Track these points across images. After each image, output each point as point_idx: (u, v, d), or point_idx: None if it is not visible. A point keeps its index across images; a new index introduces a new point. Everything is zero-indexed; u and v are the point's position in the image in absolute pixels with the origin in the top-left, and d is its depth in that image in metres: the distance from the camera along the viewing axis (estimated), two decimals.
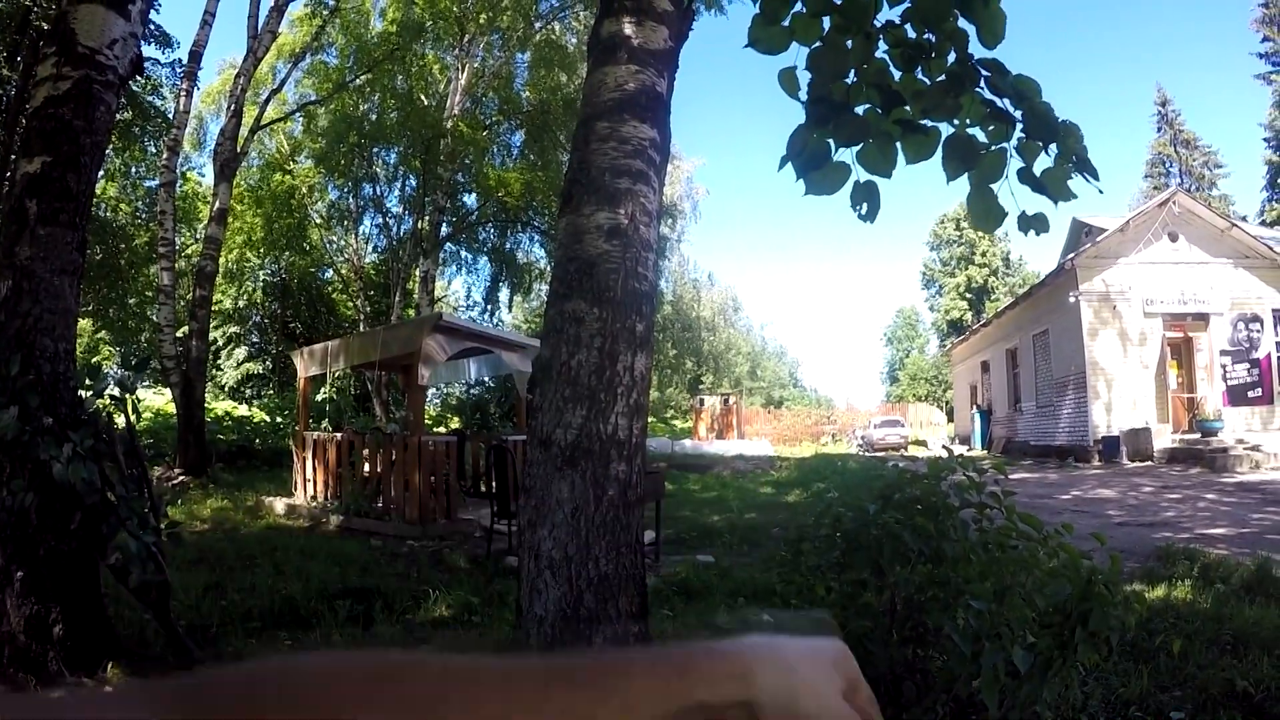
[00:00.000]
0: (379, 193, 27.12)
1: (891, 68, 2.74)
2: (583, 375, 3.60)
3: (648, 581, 5.88)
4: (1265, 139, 47.59)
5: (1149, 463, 19.52)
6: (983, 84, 2.61)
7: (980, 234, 62.27)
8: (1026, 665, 2.62)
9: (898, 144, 2.69)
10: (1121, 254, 21.95)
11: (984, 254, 62.86)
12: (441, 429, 23.20)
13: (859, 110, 2.69)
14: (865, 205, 2.70)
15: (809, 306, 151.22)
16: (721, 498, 13.62)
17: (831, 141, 2.66)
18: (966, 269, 63.18)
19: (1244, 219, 36.92)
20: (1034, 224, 2.74)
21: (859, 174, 2.67)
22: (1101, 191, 2.78)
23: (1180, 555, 6.94)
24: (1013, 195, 2.63)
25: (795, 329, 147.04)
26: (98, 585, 4.06)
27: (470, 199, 26.79)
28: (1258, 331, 21.18)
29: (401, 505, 9.78)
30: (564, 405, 3.60)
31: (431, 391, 24.66)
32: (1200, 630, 4.67)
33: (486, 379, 24.00)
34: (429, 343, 9.83)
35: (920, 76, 2.73)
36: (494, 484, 8.68)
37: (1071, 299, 21.61)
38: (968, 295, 62.72)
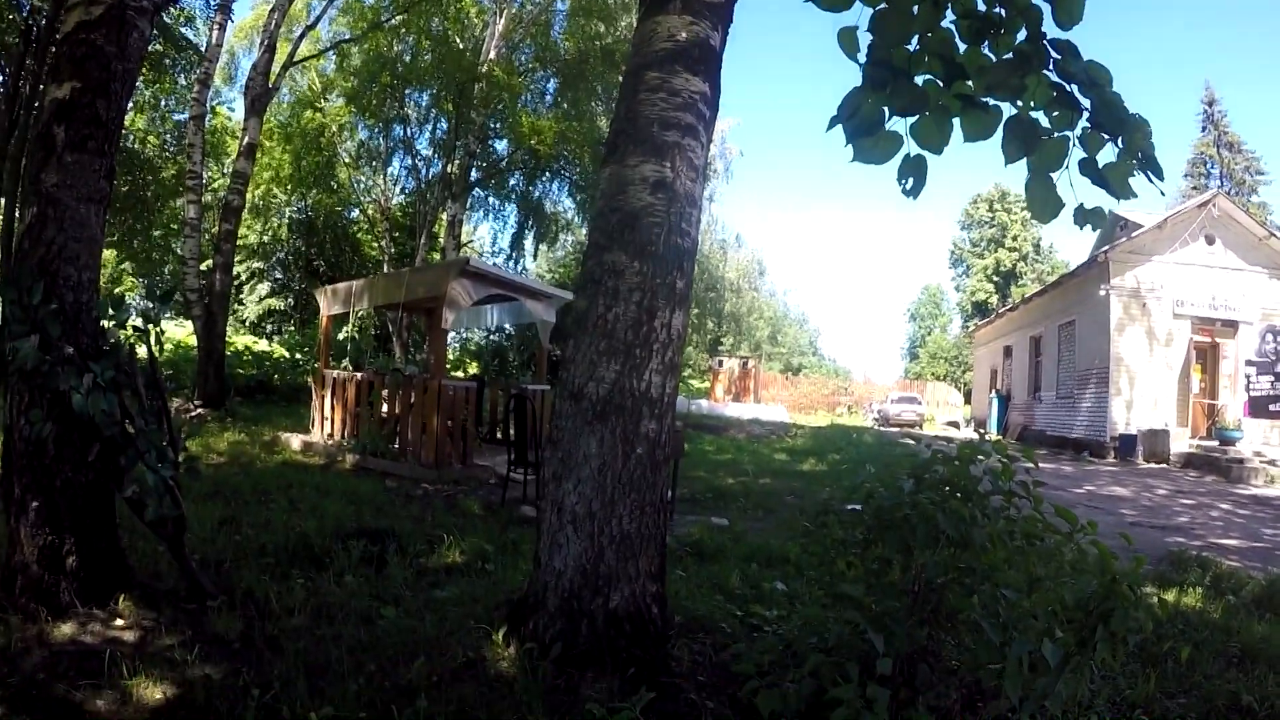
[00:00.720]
0: (409, 134, 26.93)
1: (958, 39, 2.61)
2: (619, 329, 3.54)
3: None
4: None
5: (1164, 465, 19.23)
6: (1051, 66, 2.48)
7: (1012, 217, 61.75)
8: (1056, 659, 2.58)
9: (955, 119, 2.56)
10: (1156, 252, 21.53)
11: (1015, 238, 62.29)
12: (460, 374, 23.23)
13: (919, 80, 2.56)
14: (912, 180, 2.57)
15: (834, 276, 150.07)
16: (736, 460, 13.59)
17: (886, 109, 2.54)
18: (996, 251, 62.65)
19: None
20: (1090, 218, 2.60)
21: (910, 147, 2.53)
22: (1164, 193, 2.65)
23: (1193, 562, 6.84)
24: (1071, 186, 2.50)
25: (818, 297, 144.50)
26: (113, 517, 4.04)
27: (501, 145, 26.54)
28: None
29: (418, 447, 9.77)
30: (598, 359, 3.54)
31: (451, 336, 24.80)
32: (1209, 640, 4.62)
33: (508, 326, 23.90)
34: (455, 287, 9.75)
35: (986, 52, 2.59)
36: (512, 432, 8.65)
37: (1102, 292, 21.24)
38: (995, 278, 62.25)
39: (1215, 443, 19.99)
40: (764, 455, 15.26)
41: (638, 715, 3.00)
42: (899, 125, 2.53)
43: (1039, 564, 3.01)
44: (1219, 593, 5.94)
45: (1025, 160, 2.52)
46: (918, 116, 2.52)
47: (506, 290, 11.79)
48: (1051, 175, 2.51)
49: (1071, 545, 3.01)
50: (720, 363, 36.10)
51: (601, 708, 3.04)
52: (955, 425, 36.19)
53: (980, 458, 3.21)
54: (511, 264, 30.32)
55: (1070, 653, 2.67)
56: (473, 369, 28.43)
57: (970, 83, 2.53)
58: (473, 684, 3.30)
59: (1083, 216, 2.60)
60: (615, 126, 3.87)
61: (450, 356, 28.61)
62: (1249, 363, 20.68)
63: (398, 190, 29.19)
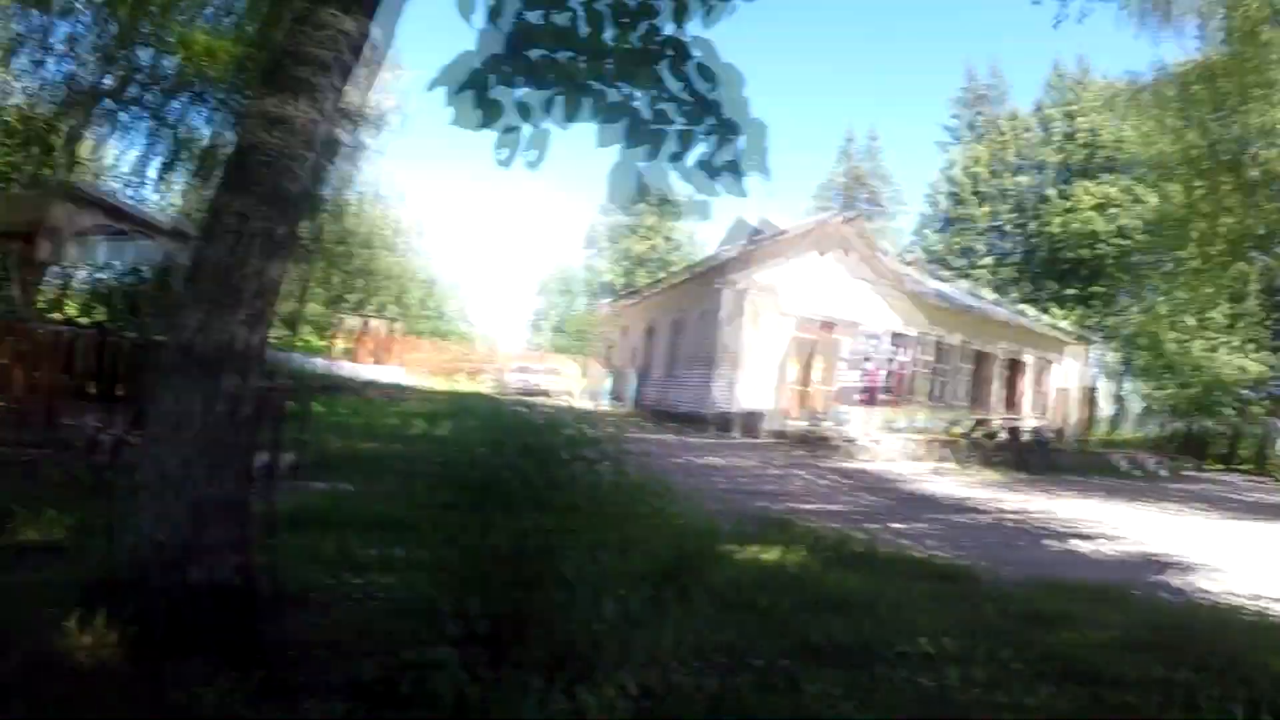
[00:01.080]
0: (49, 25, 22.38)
1: (582, 23, 2.65)
2: (207, 274, 3.23)
3: (282, 508, 5.51)
4: (926, 195, 58.45)
5: (768, 440, 21.70)
6: (689, 65, 2.57)
7: (650, 207, 64.97)
8: (617, 616, 2.72)
9: (586, 100, 2.59)
10: (777, 256, 24.63)
11: (650, 226, 65.39)
12: (86, 320, 20.22)
13: (561, 56, 2.56)
14: (537, 154, 2.58)
15: (476, 242, 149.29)
16: (369, 424, 13.21)
17: (493, 77, 2.50)
18: (629, 237, 65.41)
19: (888, 252, 43.09)
20: (698, 210, 2.80)
21: (534, 120, 2.54)
22: (772, 196, 2.86)
23: (776, 523, 7.68)
24: (685, 179, 2.61)
25: (463, 262, 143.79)
26: None
27: (170, 63, 22.76)
28: (875, 346, 24.89)
29: None
30: (189, 305, 3.22)
31: (82, 275, 21.14)
32: (786, 589, 5.17)
33: (144, 269, 20.69)
34: (58, 213, 8.39)
35: (635, 42, 2.65)
36: (125, 389, 7.55)
37: (725, 287, 23.77)
38: (626, 262, 65.02)
39: (811, 423, 23.35)
40: (394, 419, 14.97)
41: (225, 696, 2.79)
42: (503, 95, 2.50)
43: (625, 526, 3.15)
44: (795, 549, 6.73)
45: (632, 147, 2.60)
46: (553, 92, 2.51)
47: (136, 226, 10.32)
48: (665, 166, 2.63)
49: (662, 510, 3.20)
50: (365, 324, 34.87)
51: (184, 693, 2.79)
52: (570, 394, 37.54)
53: (575, 428, 3.32)
54: (157, 198, 26.36)
55: (663, 606, 2.83)
56: (100, 316, 24.71)
57: (610, 66, 2.55)
58: (45, 681, 2.87)
59: (691, 209, 2.82)
60: (250, 53, 3.58)
61: (75, 300, 24.86)
62: (843, 358, 24.80)
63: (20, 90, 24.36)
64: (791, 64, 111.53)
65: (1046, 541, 10.16)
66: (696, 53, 2.62)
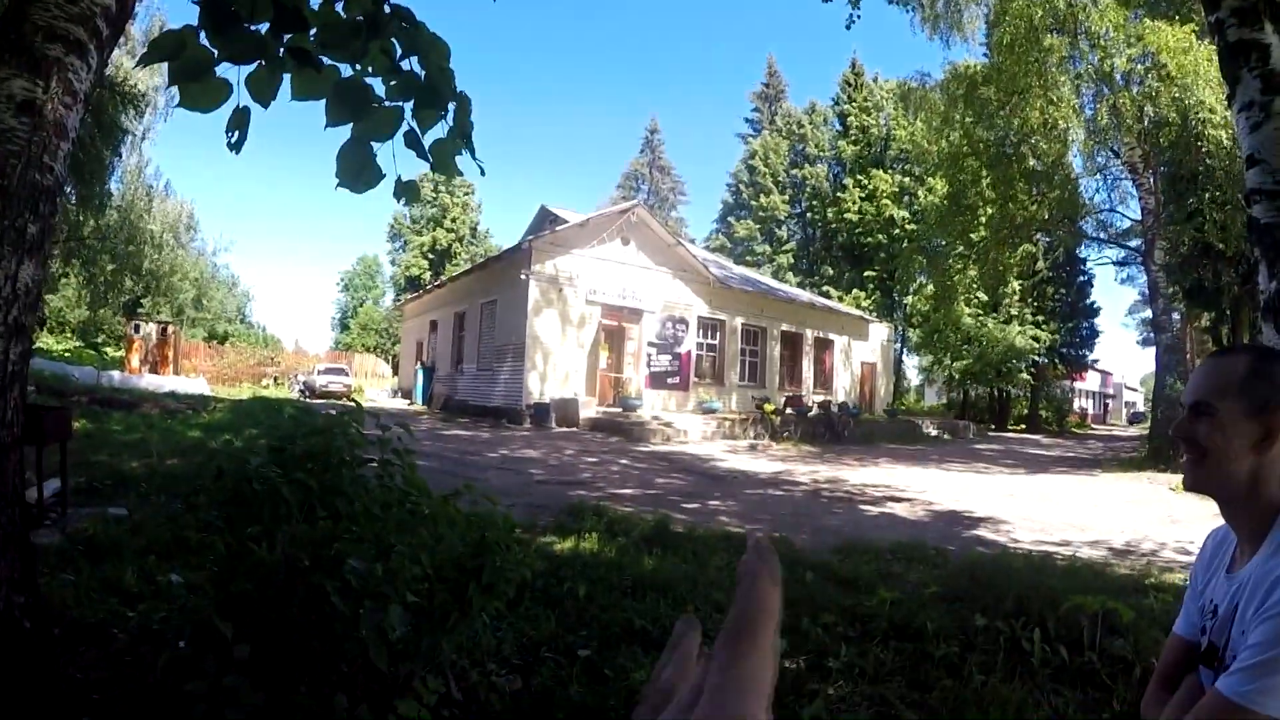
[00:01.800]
0: None
1: None
2: None
3: (52, 540, 5.00)
4: (727, 184, 61.40)
5: (575, 429, 21.56)
6: (396, 35, 2.43)
7: (454, 200, 63.89)
8: (405, 624, 2.61)
9: (286, 74, 2.37)
10: (577, 245, 24.34)
11: (454, 220, 64.43)
12: None
13: (260, 28, 2.30)
14: (237, 133, 2.33)
15: (268, 237, 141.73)
16: (146, 440, 12.21)
17: (216, 52, 2.26)
18: (435, 230, 64.27)
19: (693, 241, 45.30)
20: (406, 191, 2.58)
21: (241, 97, 2.30)
22: (484, 173, 2.69)
23: (591, 511, 7.64)
24: (394, 159, 2.44)
25: (251, 259, 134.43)
26: None
27: None
28: (683, 331, 25.46)
29: None
30: None
31: None
32: (604, 577, 5.16)
33: None
34: None
35: (339, 10, 2.46)
36: None
37: (523, 276, 23.26)
38: (430, 255, 63.84)
39: (620, 409, 23.21)
40: (178, 433, 13.94)
41: None
42: (231, 73, 2.28)
43: (407, 530, 3.00)
44: (613, 535, 6.72)
45: (350, 126, 2.38)
46: (254, 68, 2.29)
47: None
48: (375, 145, 2.41)
49: (448, 508, 3.07)
50: (137, 328, 32.23)
51: None
52: (360, 392, 36.58)
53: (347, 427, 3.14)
54: None
55: (449, 610, 2.72)
56: None
57: (313, 36, 2.36)
58: None
59: (401, 190, 2.58)
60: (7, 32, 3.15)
61: None
62: (651, 344, 24.95)
63: None
64: (601, 57, 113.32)
65: (863, 506, 10.58)
66: (403, 24, 2.47)
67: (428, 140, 2.47)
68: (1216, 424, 1.42)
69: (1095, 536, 8.72)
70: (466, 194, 64.15)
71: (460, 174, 2.56)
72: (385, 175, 2.40)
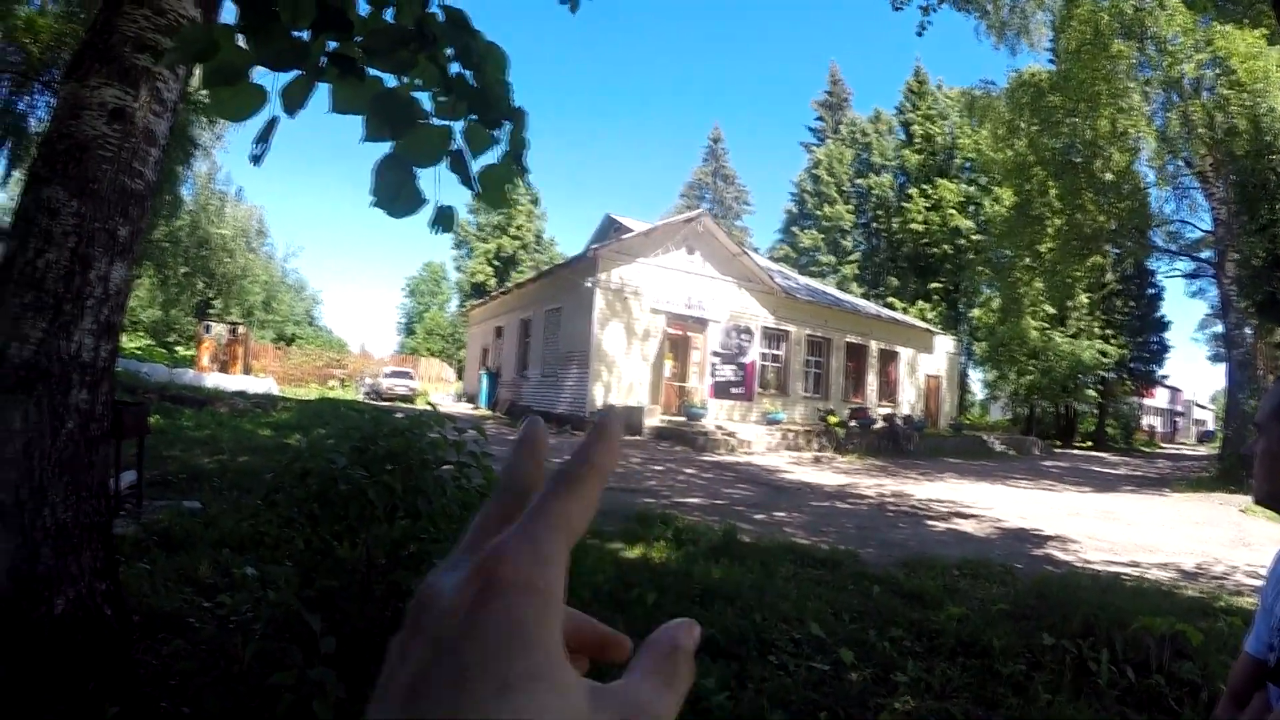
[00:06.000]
0: None
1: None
2: (49, 280, 2.94)
3: (128, 530, 5.15)
4: (791, 193, 60.28)
5: (640, 437, 21.52)
6: (449, 45, 2.17)
7: (519, 209, 64.49)
8: None
9: (327, 85, 2.11)
10: (642, 254, 24.30)
11: (519, 227, 64.97)
12: None
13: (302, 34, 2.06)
14: (263, 145, 2.09)
15: (336, 242, 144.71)
16: (217, 437, 12.55)
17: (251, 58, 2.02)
18: (500, 237, 64.84)
19: (757, 250, 45.18)
20: (444, 221, 2.26)
21: (274, 106, 2.00)
22: (536, 201, 2.27)
23: (658, 519, 7.63)
24: (437, 181, 2.13)
25: (319, 264, 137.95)
26: None
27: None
28: (747, 341, 25.00)
29: None
30: (22, 314, 2.93)
31: None
32: (672, 585, 5.16)
33: None
34: None
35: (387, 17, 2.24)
36: None
37: (588, 284, 23.29)
38: (495, 262, 64.42)
39: (684, 419, 23.14)
40: (247, 431, 14.28)
41: None
42: (265, 80, 2.00)
43: None
44: (681, 543, 6.74)
45: (390, 144, 2.08)
46: (294, 76, 1.98)
47: None
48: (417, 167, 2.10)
49: None
50: (208, 328, 33.11)
51: None
52: (425, 395, 36.92)
53: (426, 430, 3.18)
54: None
55: None
56: None
57: (359, 44, 2.10)
58: None
59: (437, 218, 2.25)
60: (85, 38, 3.27)
61: None
62: (715, 353, 24.65)
63: None
64: (663, 66, 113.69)
65: (929, 522, 10.44)
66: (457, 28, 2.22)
67: (476, 165, 2.20)
68: (1273, 443, 1.41)
69: (1164, 558, 8.51)
70: (531, 201, 64.72)
71: (511, 205, 2.20)
72: (426, 201, 2.11)
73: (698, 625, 0.43)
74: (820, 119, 62.28)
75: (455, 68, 2.23)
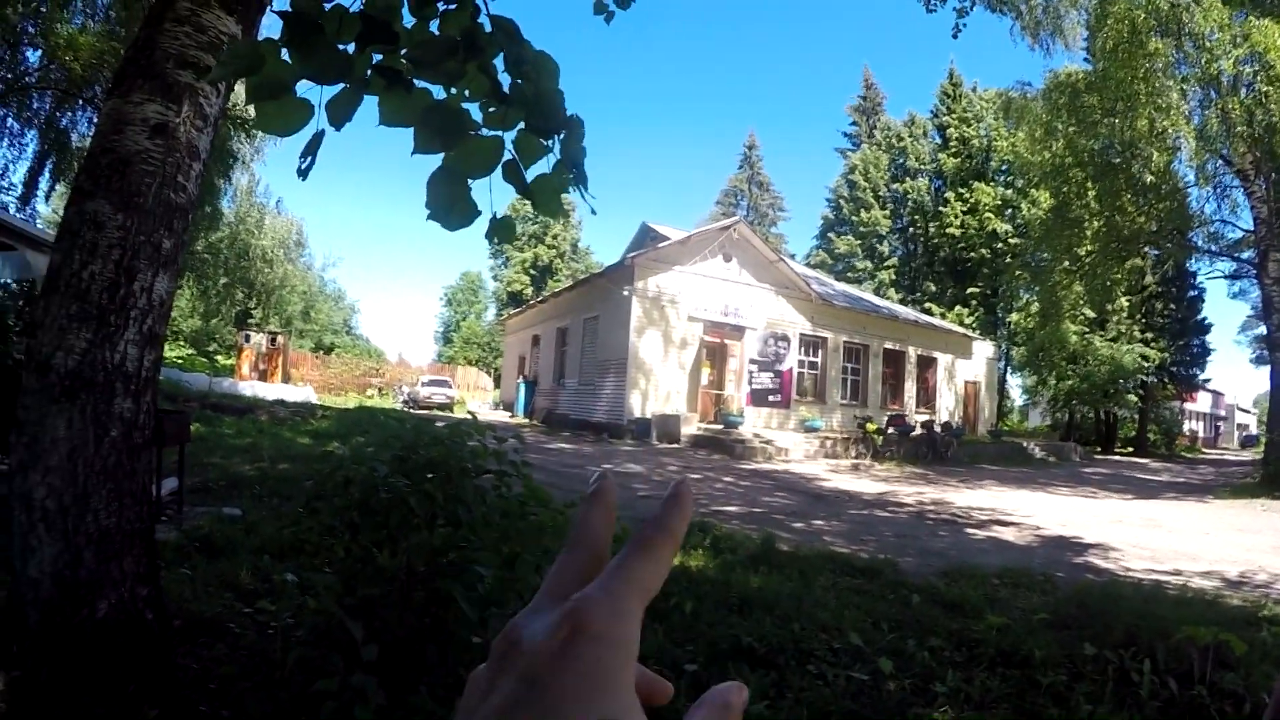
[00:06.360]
0: None
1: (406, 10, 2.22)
2: (93, 291, 3.00)
3: (169, 536, 5.22)
4: (827, 199, 60.33)
5: (677, 445, 21.55)
6: (498, 53, 2.12)
7: (557, 219, 64.89)
8: None
9: (372, 96, 2.06)
10: (678, 262, 24.41)
11: (555, 236, 65.38)
12: None
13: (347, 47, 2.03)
14: (310, 159, 2.05)
15: (373, 252, 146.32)
16: (257, 444, 12.69)
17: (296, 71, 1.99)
18: (536, 246, 65.26)
19: (793, 256, 44.95)
20: (500, 230, 2.22)
21: (321, 121, 1.98)
22: (595, 212, 2.32)
23: (696, 527, 7.62)
24: (490, 191, 2.07)
25: (357, 273, 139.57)
26: None
27: (34, 56, 20.49)
28: (784, 348, 24.99)
29: None
30: (68, 325, 2.99)
31: None
32: (710, 593, 5.14)
33: (9, 281, 19.13)
34: None
35: (433, 29, 2.23)
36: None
37: (625, 292, 23.38)
38: (532, 271, 64.83)
39: (721, 426, 23.06)
40: (286, 439, 14.44)
41: None
42: (311, 94, 1.98)
43: (530, 539, 3.05)
44: (719, 552, 6.71)
45: (442, 156, 2.05)
46: (340, 89, 1.99)
47: (21, 240, 9.77)
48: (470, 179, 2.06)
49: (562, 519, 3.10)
50: (247, 338, 33.56)
51: None
52: (462, 403, 37.11)
53: (465, 439, 3.20)
54: (20, 206, 24.73)
55: None
56: None
57: (405, 56, 2.08)
58: None
59: (494, 229, 2.22)
60: (127, 54, 3.34)
61: None
62: (753, 361, 24.61)
63: None
64: (697, 74, 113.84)
65: (969, 530, 10.32)
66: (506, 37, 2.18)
67: (530, 174, 2.15)
68: None
69: (1207, 566, 8.35)
70: (567, 210, 65.07)
71: (566, 214, 2.21)
72: (481, 213, 2.07)
73: (746, 689, 0.46)
74: (855, 124, 61.98)
75: (505, 78, 2.18)
